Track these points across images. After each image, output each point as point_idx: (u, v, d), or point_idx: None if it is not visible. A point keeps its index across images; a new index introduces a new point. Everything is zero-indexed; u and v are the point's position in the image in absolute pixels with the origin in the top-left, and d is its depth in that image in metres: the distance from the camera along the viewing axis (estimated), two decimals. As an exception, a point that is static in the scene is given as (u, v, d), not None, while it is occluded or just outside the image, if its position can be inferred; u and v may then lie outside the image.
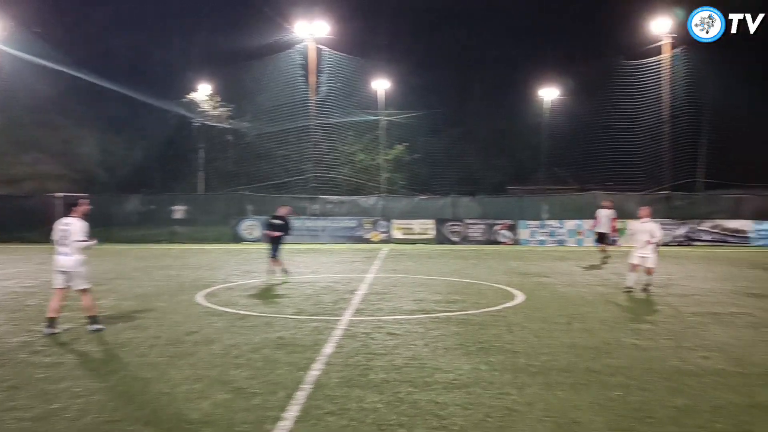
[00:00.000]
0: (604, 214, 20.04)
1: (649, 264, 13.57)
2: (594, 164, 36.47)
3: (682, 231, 26.91)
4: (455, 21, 61.01)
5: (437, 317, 11.10)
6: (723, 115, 37.27)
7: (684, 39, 32.45)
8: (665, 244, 26.38)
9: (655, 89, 33.02)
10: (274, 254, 16.03)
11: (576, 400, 6.63)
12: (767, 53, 37.14)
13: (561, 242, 27.07)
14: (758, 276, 17.20)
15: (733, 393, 6.91)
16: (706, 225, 27.07)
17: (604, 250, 19.97)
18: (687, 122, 33.49)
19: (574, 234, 26.97)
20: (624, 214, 27.07)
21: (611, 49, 39.53)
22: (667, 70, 32.17)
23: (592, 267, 19.06)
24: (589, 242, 26.30)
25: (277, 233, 15.97)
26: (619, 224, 25.63)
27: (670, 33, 32.35)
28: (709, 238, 26.86)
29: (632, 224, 13.71)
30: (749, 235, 26.80)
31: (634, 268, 13.70)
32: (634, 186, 32.93)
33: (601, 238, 20.06)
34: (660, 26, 32.50)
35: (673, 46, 32.35)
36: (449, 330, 10.02)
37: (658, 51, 32.82)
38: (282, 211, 16.38)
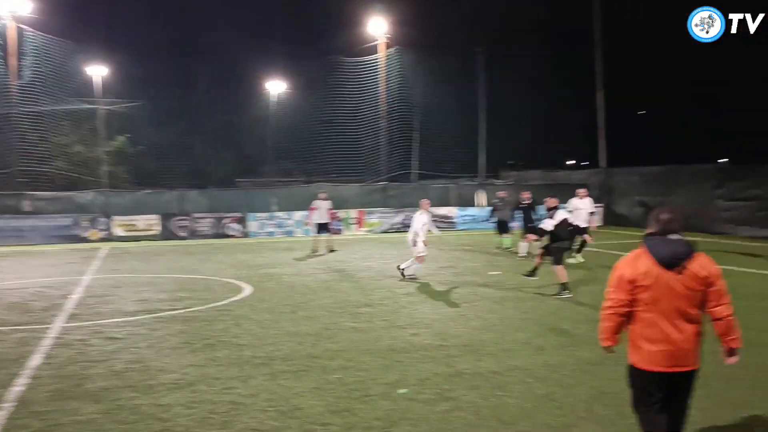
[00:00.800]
0: (321, 205, 20.89)
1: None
2: (319, 157, 37.85)
3: (398, 218, 29.12)
4: (178, 9, 58.80)
5: (162, 316, 10.76)
6: (432, 112, 40.95)
7: (397, 39, 35.09)
8: (384, 231, 28.45)
9: (372, 86, 35.18)
10: None
11: (298, 387, 6.91)
12: (456, 56, 41.61)
13: (289, 233, 27.71)
14: (459, 256, 19.26)
15: (437, 364, 7.73)
16: (418, 212, 29.64)
17: (318, 240, 20.80)
18: (401, 118, 36.23)
19: (301, 224, 27.82)
20: (346, 204, 28.60)
21: (333, 45, 41.20)
22: (383, 68, 34.49)
23: (317, 256, 19.83)
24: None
25: None
26: (342, 214, 26.98)
27: (386, 33, 34.69)
28: (421, 224, 29.46)
29: (419, 217, 14.42)
30: (455, 220, 29.87)
31: (423, 259, 14.44)
32: (355, 178, 34.86)
33: (321, 228, 20.91)
34: (376, 26, 34.65)
35: (388, 45, 34.74)
36: (174, 329, 9.79)
37: (375, 50, 35.00)
38: None
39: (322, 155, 37.22)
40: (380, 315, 10.68)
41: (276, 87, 46.93)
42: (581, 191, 17.99)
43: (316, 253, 20.23)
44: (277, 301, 12.06)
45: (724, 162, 37.03)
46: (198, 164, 45.82)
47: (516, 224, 20.02)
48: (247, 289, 13.51)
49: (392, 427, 5.82)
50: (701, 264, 4.38)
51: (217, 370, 7.58)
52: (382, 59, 34.53)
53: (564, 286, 12.09)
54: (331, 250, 20.53)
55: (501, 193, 21.39)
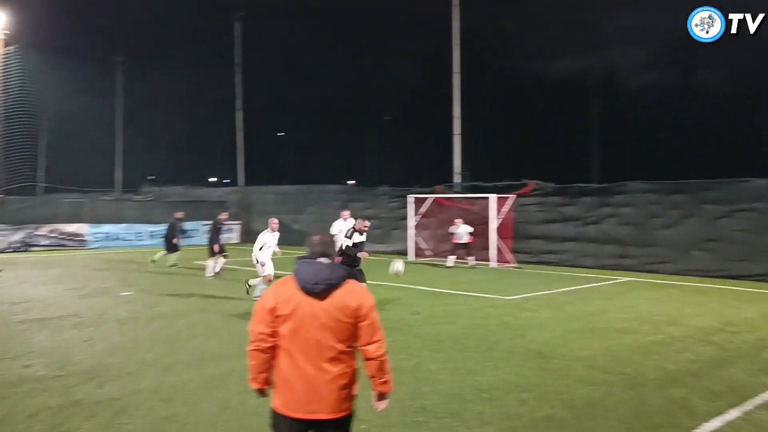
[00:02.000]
0: None
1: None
2: None
3: (18, 236, 26.11)
4: None
5: None
6: (63, 120, 37.82)
7: (18, 38, 31.55)
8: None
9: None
10: None
11: None
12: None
13: None
14: (89, 276, 18.03)
15: (51, 396, 7.07)
16: (44, 230, 26.89)
17: None
18: (23, 124, 32.60)
19: None
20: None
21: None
22: (1, 68, 30.67)
23: None
24: None
25: None
26: None
27: (4, 29, 30.93)
28: (47, 242, 26.79)
29: (262, 237, 13.86)
30: (87, 238, 27.86)
31: (269, 278, 13.55)
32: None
33: None
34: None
35: (7, 43, 31.04)
36: None
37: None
38: None
39: None
40: (-16, 346, 9.43)
41: None
42: (345, 213, 17.79)
43: None
44: None
45: (349, 184, 40.84)
46: None
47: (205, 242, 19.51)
48: None
49: (-12, 472, 5.17)
50: (353, 291, 3.80)
51: None
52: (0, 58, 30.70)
53: None
54: None
55: (179, 214, 20.93)
